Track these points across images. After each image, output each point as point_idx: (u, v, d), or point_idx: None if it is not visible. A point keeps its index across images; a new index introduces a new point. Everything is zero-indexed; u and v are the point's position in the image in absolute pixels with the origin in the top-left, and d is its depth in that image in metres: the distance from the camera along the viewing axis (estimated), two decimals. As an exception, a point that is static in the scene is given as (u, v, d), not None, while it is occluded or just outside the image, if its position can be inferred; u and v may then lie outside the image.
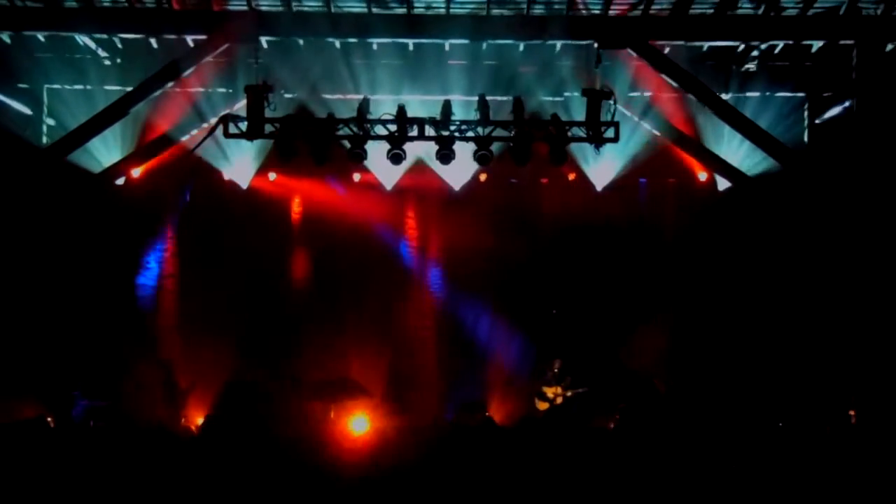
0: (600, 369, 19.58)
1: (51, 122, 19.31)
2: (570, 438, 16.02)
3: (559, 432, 17.49)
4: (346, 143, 16.28)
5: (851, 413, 17.03)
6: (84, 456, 14.26)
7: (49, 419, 17.28)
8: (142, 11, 16.68)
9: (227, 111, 17.29)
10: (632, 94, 18.73)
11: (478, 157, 16.29)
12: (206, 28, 16.79)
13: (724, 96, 17.98)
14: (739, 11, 16.76)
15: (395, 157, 16.27)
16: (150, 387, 19.27)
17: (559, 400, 18.87)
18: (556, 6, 16.65)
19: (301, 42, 17.44)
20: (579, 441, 15.79)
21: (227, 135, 16.17)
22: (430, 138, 16.17)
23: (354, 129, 16.15)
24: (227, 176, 19.97)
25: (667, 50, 17.54)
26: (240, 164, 19.72)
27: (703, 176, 20.27)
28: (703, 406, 18.77)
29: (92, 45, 18.01)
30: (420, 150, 17.96)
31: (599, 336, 19.94)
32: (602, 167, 19.91)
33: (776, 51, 18.11)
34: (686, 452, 14.75)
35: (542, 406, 18.93)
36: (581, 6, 16.69)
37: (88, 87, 18.65)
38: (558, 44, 17.63)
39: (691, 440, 15.65)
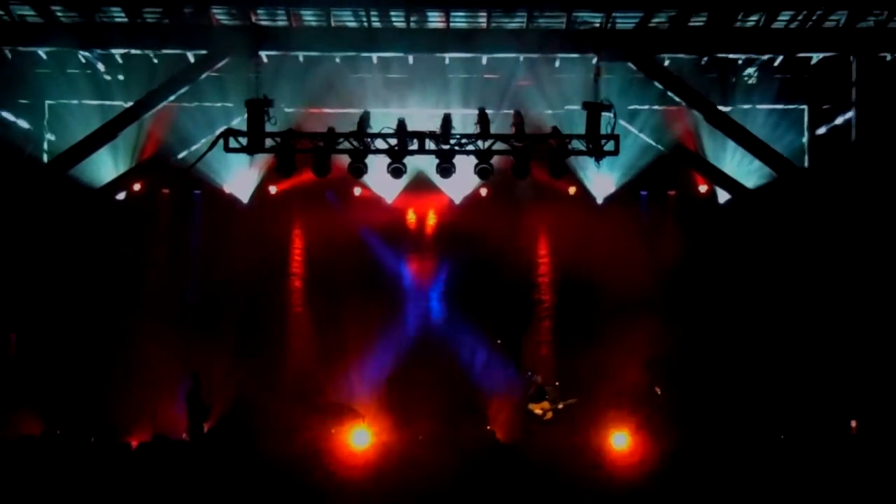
0: (598, 377, 19.62)
1: (52, 137, 19.34)
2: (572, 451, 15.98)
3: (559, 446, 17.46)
4: (347, 157, 16.27)
5: (852, 424, 17.02)
6: (87, 469, 14.29)
7: (53, 434, 17.33)
8: (142, 27, 16.69)
9: (227, 126, 17.27)
10: (632, 107, 18.76)
11: (478, 170, 16.22)
12: (207, 43, 16.81)
13: (724, 108, 17.97)
14: (739, 24, 16.77)
15: (396, 171, 16.23)
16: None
17: (549, 415, 18.68)
18: (556, 20, 16.65)
19: (301, 56, 17.45)
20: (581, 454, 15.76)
21: (227, 149, 16.13)
22: (430, 152, 16.13)
23: (355, 143, 16.11)
24: (227, 190, 19.98)
25: (666, 63, 17.55)
26: (240, 177, 19.74)
27: (703, 188, 20.29)
28: (703, 413, 18.81)
29: (93, 60, 18.02)
30: (421, 164, 18.00)
31: (600, 345, 19.93)
32: (602, 180, 19.95)
33: (776, 63, 18.11)
34: (688, 460, 14.75)
35: (533, 426, 18.74)
36: (581, 20, 16.70)
37: (89, 102, 18.68)
38: (558, 57, 17.64)
39: (692, 448, 15.65)
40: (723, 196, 20.01)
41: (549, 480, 14.02)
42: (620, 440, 15.99)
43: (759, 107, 18.74)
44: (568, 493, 13.78)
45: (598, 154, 16.03)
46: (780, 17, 16.55)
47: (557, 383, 19.12)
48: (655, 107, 19.12)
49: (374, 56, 17.50)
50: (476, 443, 17.54)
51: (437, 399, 19.77)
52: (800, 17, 16.58)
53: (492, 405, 19.95)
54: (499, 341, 20.00)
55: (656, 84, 17.47)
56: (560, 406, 18.78)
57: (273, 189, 20.08)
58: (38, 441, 16.46)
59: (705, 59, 17.79)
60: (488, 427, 19.44)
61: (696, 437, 17.66)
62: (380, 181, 18.95)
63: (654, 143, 19.57)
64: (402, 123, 16.10)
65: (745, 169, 19.06)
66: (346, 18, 16.73)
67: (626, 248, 20.02)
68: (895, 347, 16.73)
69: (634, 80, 17.84)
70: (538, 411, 18.80)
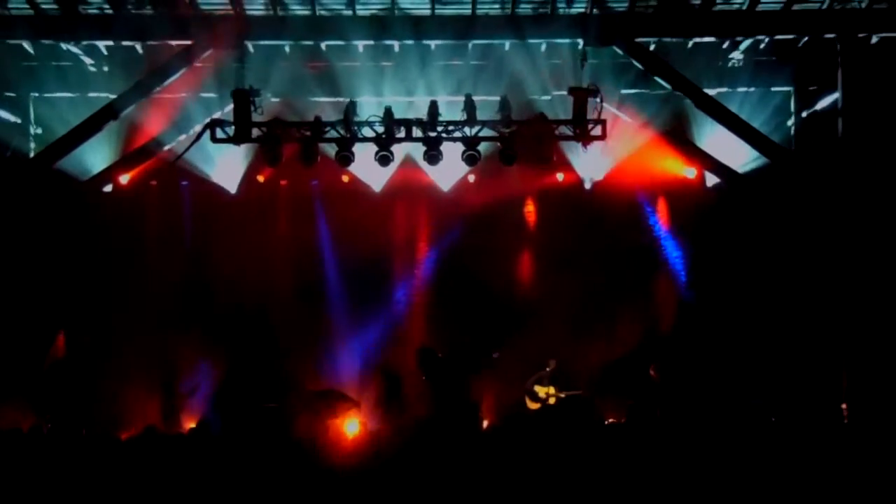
0: (594, 365, 19.67)
1: (38, 130, 19.27)
2: (564, 435, 15.97)
3: (554, 429, 17.47)
4: (334, 146, 16.27)
5: (843, 407, 17.06)
6: (77, 462, 14.26)
7: (43, 427, 17.28)
8: (126, 18, 16.62)
9: (213, 116, 17.24)
10: (619, 91, 18.74)
11: (465, 157, 16.26)
12: (192, 33, 16.74)
13: (711, 92, 17.97)
14: (724, 7, 16.77)
15: (383, 159, 16.27)
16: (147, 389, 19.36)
17: (552, 400, 18.78)
18: (541, 5, 16.63)
19: (287, 46, 17.41)
20: (574, 437, 15.75)
21: (214, 140, 16.14)
22: (417, 139, 16.17)
23: (341, 131, 16.12)
24: (214, 180, 19.94)
25: (653, 46, 17.54)
26: (227, 167, 19.69)
27: (691, 172, 20.29)
28: (696, 401, 18.81)
29: (78, 52, 17.96)
30: (409, 151, 17.99)
31: (592, 329, 19.97)
32: (590, 165, 19.93)
33: (762, 45, 18.12)
34: (680, 445, 14.75)
35: (533, 406, 18.84)
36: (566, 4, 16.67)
37: (75, 94, 18.61)
38: (544, 43, 17.61)
39: (685, 433, 15.65)
40: (711, 179, 20.03)
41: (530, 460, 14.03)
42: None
43: (745, 90, 18.72)
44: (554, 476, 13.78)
45: (585, 139, 16.08)
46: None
47: (558, 371, 19.16)
48: (643, 91, 19.12)
49: (360, 44, 17.46)
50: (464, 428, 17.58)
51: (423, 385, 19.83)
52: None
53: (482, 389, 19.94)
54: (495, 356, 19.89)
55: (643, 68, 17.48)
56: (563, 395, 18.85)
57: (261, 178, 20.06)
58: (25, 435, 16.43)
59: (691, 42, 17.78)
60: (479, 416, 19.44)
61: (689, 419, 17.73)
62: (367, 169, 18.90)
63: (642, 128, 19.55)
64: (388, 111, 16.11)
65: (733, 153, 19.05)
66: (331, 6, 16.68)
67: (614, 232, 20.11)
68: (886, 332, 16.78)
69: (622, 64, 17.83)
70: (542, 394, 18.88)
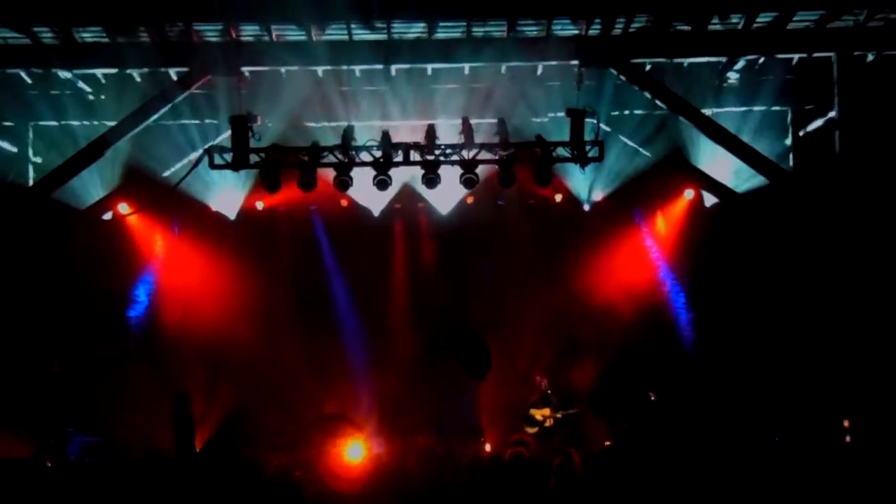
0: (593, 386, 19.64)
1: (37, 159, 19.28)
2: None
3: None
4: (332, 171, 16.26)
5: (846, 424, 17.00)
6: (80, 493, 14.19)
7: (45, 457, 17.22)
8: (123, 46, 16.58)
9: (211, 142, 17.24)
10: (616, 113, 18.78)
11: (463, 180, 16.18)
12: (189, 61, 16.77)
13: (707, 112, 17.98)
14: (719, 27, 16.79)
15: (381, 184, 16.20)
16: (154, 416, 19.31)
17: (549, 422, 18.74)
18: (536, 28, 16.67)
19: (283, 71, 17.45)
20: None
21: (212, 166, 16.11)
22: (415, 163, 16.09)
23: (339, 156, 16.09)
24: (213, 207, 19.94)
25: (648, 67, 17.57)
26: (226, 194, 19.70)
27: (689, 193, 20.31)
28: (697, 419, 18.77)
29: (75, 80, 17.99)
30: (407, 175, 17.99)
31: (591, 353, 19.95)
32: (588, 186, 19.95)
33: (757, 65, 18.14)
34: (681, 464, 14.69)
35: (532, 430, 18.74)
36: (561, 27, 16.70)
37: (73, 123, 18.63)
38: (540, 65, 17.64)
39: (686, 452, 15.60)
40: (709, 199, 20.05)
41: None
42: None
43: (742, 109, 18.73)
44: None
45: (582, 160, 16.02)
46: (760, 19, 16.56)
47: (550, 392, 19.12)
48: (641, 112, 19.16)
49: (357, 69, 17.50)
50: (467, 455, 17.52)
51: (430, 412, 19.80)
52: (780, 18, 16.62)
53: (487, 416, 19.91)
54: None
55: (639, 89, 17.51)
56: (559, 415, 18.79)
57: (260, 205, 20.07)
58: (26, 463, 16.36)
59: (687, 62, 17.80)
60: (482, 439, 19.40)
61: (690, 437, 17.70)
62: (366, 193, 18.90)
63: (639, 148, 19.59)
64: (386, 135, 16.08)
65: (730, 172, 19.07)
66: (328, 32, 16.71)
67: (613, 253, 20.12)
68: (887, 348, 16.75)
69: (619, 85, 17.85)
70: (539, 417, 18.83)
